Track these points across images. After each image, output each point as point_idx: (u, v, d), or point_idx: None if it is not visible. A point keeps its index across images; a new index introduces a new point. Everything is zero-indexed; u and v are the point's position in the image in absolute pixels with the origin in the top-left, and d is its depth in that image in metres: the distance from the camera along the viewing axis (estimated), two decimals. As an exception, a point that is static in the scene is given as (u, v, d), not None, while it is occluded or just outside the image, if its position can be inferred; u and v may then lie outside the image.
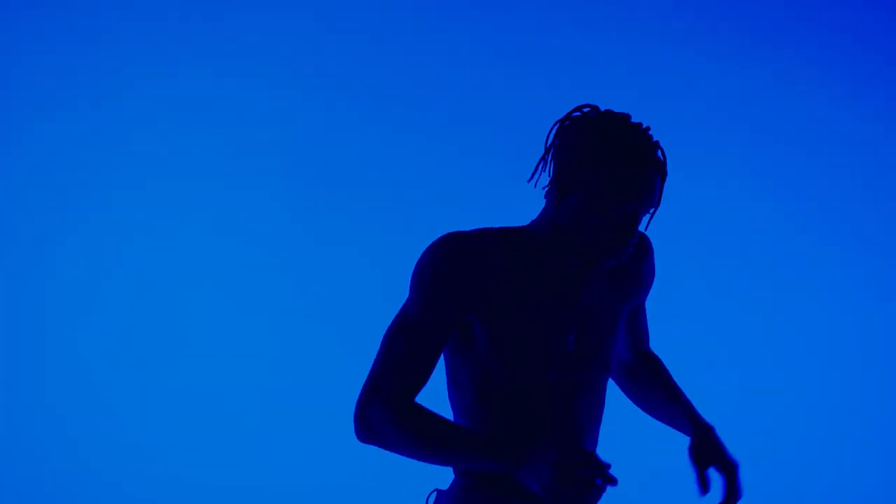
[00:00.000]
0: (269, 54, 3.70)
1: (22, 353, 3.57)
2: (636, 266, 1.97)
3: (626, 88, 3.70)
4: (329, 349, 3.70)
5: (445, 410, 1.86)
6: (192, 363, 3.63)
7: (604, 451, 2.05)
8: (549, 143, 1.82)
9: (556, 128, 1.82)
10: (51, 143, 3.59)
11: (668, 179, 1.83)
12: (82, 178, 3.60)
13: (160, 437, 3.61)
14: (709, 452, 1.86)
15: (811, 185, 4.00)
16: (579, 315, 1.86)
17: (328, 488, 3.64)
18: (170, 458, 3.60)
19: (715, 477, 3.15)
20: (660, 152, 1.78)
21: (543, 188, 1.84)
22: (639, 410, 2.15)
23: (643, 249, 2.00)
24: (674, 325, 3.65)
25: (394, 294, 3.53)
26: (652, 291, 2.10)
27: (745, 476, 3.93)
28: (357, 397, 1.80)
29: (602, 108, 1.81)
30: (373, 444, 1.79)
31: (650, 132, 1.78)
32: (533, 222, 1.86)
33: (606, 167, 1.72)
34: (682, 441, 2.77)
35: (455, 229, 1.82)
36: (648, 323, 2.17)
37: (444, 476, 1.94)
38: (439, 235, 1.80)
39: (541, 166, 1.83)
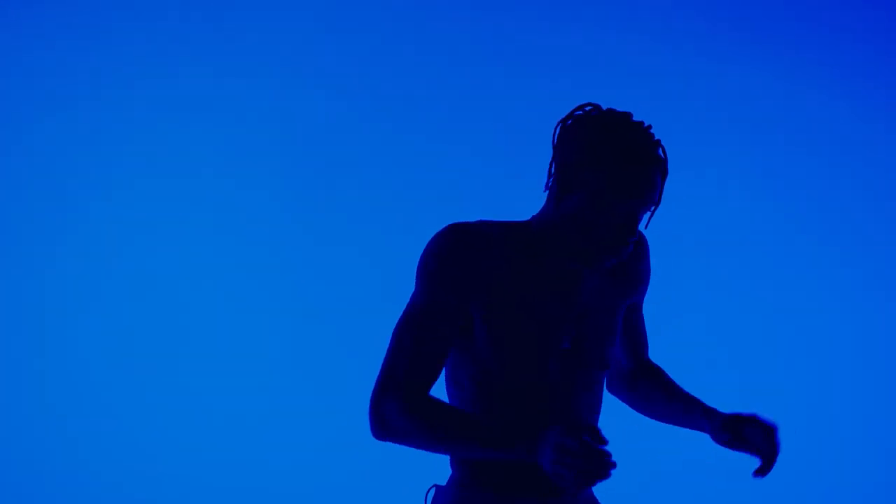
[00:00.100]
0: (269, 54, 3.70)
1: (22, 352, 3.57)
2: (635, 264, 1.98)
3: (626, 88, 3.70)
4: (329, 349, 3.70)
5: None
6: (192, 363, 3.63)
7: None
8: (554, 143, 1.82)
9: (558, 127, 1.83)
10: (50, 142, 3.59)
11: (668, 178, 1.83)
12: (82, 177, 3.60)
13: (160, 436, 3.61)
14: (741, 422, 1.87)
15: (811, 185, 4.00)
16: (578, 314, 1.86)
17: (329, 488, 3.64)
18: (170, 457, 3.60)
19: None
20: (661, 151, 1.79)
21: (545, 187, 1.85)
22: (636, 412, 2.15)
23: (641, 248, 2.00)
24: (674, 324, 3.65)
25: (394, 294, 3.53)
26: (651, 292, 2.10)
27: (745, 475, 3.93)
28: (371, 394, 1.78)
29: (604, 107, 1.82)
30: (389, 440, 1.78)
31: (651, 130, 1.78)
32: (534, 218, 1.87)
33: (609, 166, 1.73)
34: (683, 441, 2.77)
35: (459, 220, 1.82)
36: (648, 330, 2.15)
37: (442, 473, 1.95)
38: (444, 226, 1.80)
39: (550, 169, 1.84)
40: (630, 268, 1.96)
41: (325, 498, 3.63)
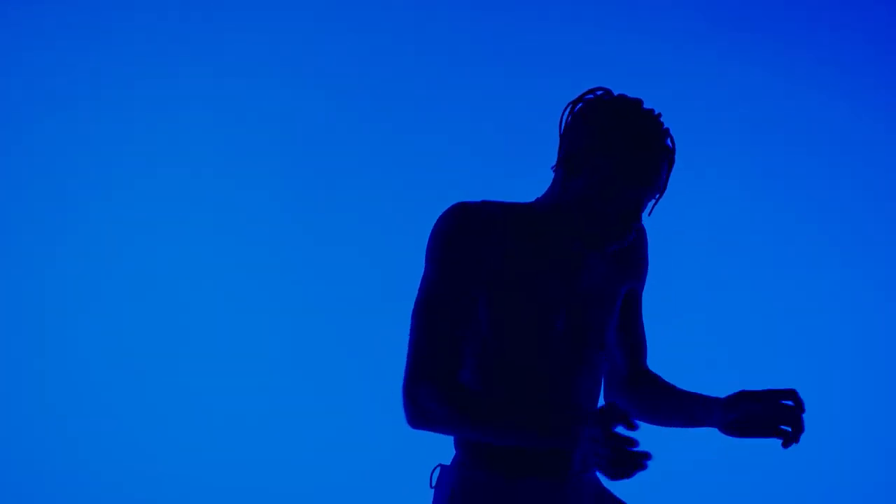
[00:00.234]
0: (269, 53, 3.70)
1: (22, 352, 3.57)
2: (635, 251, 1.99)
3: (628, 87, 3.70)
4: (329, 349, 3.70)
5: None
6: (192, 362, 3.63)
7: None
8: (562, 124, 1.83)
9: (568, 109, 1.83)
10: (50, 141, 3.59)
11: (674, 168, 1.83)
12: (82, 176, 3.60)
13: (160, 436, 3.60)
14: (757, 397, 1.83)
15: (811, 184, 4.00)
16: (579, 296, 1.87)
17: (329, 487, 3.64)
18: (170, 457, 3.60)
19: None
20: (670, 140, 1.79)
21: (550, 167, 1.85)
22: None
23: (640, 236, 2.02)
24: (674, 324, 3.65)
25: (394, 293, 3.53)
26: (652, 291, 2.10)
27: (744, 477, 3.93)
28: (402, 383, 1.77)
29: (615, 93, 1.82)
30: (425, 428, 1.76)
31: (661, 118, 1.79)
32: (538, 200, 1.87)
33: (619, 151, 1.74)
34: (683, 441, 2.77)
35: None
36: (648, 333, 2.14)
37: (443, 456, 1.94)
38: (449, 206, 1.81)
39: (557, 148, 1.84)
40: (630, 254, 1.98)
41: (325, 497, 3.63)
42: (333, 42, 3.74)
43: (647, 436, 3.00)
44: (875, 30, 4.04)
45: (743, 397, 1.83)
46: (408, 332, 1.79)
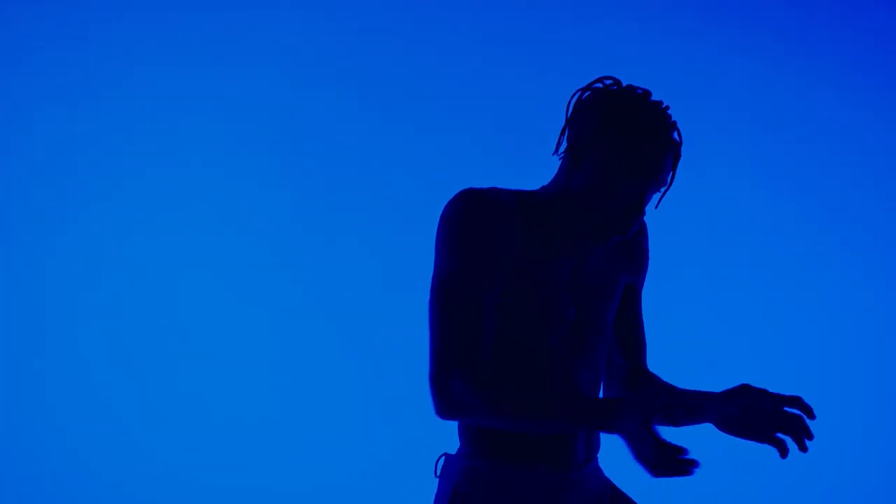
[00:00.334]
0: (269, 52, 3.70)
1: (22, 352, 3.56)
2: (637, 243, 2.00)
3: (632, 82, 3.70)
4: (330, 347, 3.70)
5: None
6: (192, 362, 3.63)
7: (604, 448, 2.05)
8: (569, 111, 1.82)
9: (575, 97, 1.82)
10: (50, 139, 3.59)
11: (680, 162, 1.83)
12: (82, 175, 3.60)
13: (160, 436, 3.60)
14: (760, 395, 1.69)
15: (820, 183, 4.01)
16: (583, 284, 1.87)
17: (329, 487, 3.64)
18: (170, 457, 3.60)
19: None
20: (677, 133, 1.79)
21: (556, 155, 1.85)
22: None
23: (641, 229, 2.02)
24: (674, 324, 3.65)
25: (395, 292, 3.54)
26: (653, 290, 2.10)
27: (744, 477, 3.92)
28: (430, 374, 1.75)
29: (623, 83, 1.81)
30: (456, 418, 1.75)
31: (669, 111, 1.78)
32: (543, 188, 1.87)
33: (625, 143, 1.73)
34: (683, 440, 2.77)
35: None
36: (649, 332, 2.14)
37: (447, 446, 1.94)
38: (457, 192, 1.80)
39: (561, 136, 1.83)
40: (632, 247, 1.99)
41: (325, 497, 3.63)
42: (334, 38, 3.75)
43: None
44: (884, 29, 4.05)
45: (745, 392, 1.69)
46: (428, 322, 1.77)
